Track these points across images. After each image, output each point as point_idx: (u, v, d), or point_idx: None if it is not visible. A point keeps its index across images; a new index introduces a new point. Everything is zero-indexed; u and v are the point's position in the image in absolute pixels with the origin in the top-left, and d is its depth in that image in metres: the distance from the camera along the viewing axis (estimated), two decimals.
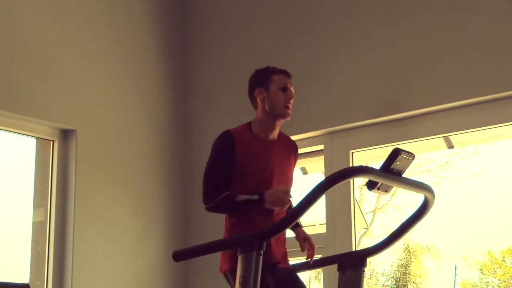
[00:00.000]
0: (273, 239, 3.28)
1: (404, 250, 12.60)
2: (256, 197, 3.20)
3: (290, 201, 3.25)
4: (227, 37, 5.17)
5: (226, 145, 3.31)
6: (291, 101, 3.37)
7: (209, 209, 3.29)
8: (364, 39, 4.56)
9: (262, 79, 3.40)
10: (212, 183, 3.28)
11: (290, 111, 3.37)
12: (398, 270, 12.67)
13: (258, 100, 3.39)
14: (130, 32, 5.01)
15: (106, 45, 4.85)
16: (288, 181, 3.41)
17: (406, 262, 12.64)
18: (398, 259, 12.64)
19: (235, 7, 5.19)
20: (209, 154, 3.36)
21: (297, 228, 3.41)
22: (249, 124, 3.41)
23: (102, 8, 4.87)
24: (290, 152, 3.46)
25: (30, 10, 4.46)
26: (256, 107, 3.42)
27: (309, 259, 3.37)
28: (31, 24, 4.44)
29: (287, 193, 3.20)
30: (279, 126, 3.40)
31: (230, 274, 3.23)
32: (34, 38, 4.44)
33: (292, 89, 3.40)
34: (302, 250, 3.39)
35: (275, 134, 3.41)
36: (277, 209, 3.25)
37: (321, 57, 4.69)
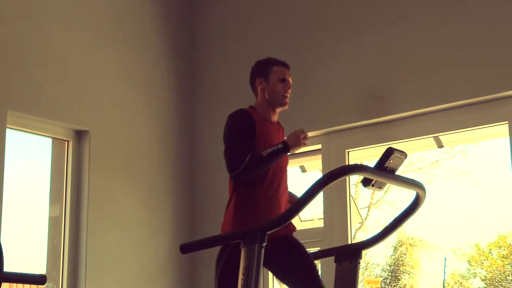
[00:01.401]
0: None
1: (398, 243, 12.60)
2: (280, 145, 3.26)
3: (307, 138, 3.33)
4: (231, 43, 5.17)
5: (247, 118, 3.34)
6: (289, 91, 3.45)
7: (238, 174, 3.26)
8: (359, 46, 4.56)
9: (262, 70, 3.47)
10: (237, 151, 3.27)
11: (287, 100, 3.44)
12: (392, 262, 12.67)
13: (259, 89, 3.45)
14: (139, 41, 5.02)
15: (117, 53, 4.85)
16: (287, 161, 3.45)
17: (399, 254, 12.64)
18: (392, 251, 12.64)
19: (237, 16, 5.19)
20: (226, 131, 3.37)
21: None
22: (252, 107, 3.46)
23: (114, 20, 4.87)
24: (282, 134, 3.53)
25: (49, 20, 4.46)
26: (256, 95, 3.48)
27: None
28: (49, 34, 4.45)
29: (303, 132, 3.30)
30: (278, 113, 3.47)
31: (218, 262, 3.26)
32: (51, 47, 4.45)
33: (290, 80, 3.47)
34: None
35: (275, 118, 3.48)
36: (299, 149, 3.33)
37: (319, 63, 4.69)
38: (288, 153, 3.31)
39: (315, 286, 3.27)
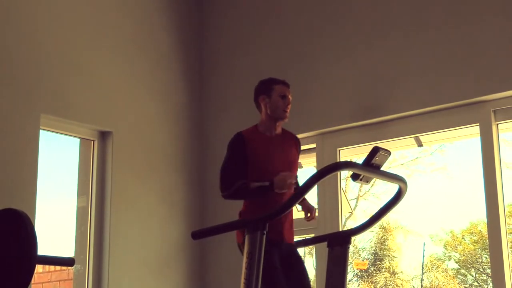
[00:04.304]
0: (286, 223, 3.29)
1: (382, 230, 12.58)
2: (266, 183, 3.21)
3: (294, 184, 3.24)
4: (238, 49, 5.14)
5: (238, 144, 3.34)
6: (289, 106, 3.44)
7: (225, 196, 3.29)
8: (349, 56, 4.55)
9: (265, 88, 3.45)
10: (227, 175, 3.29)
11: (287, 114, 3.43)
12: (376, 246, 12.64)
13: (262, 105, 3.44)
14: (155, 51, 5.00)
15: (136, 61, 4.84)
16: (293, 169, 3.43)
17: (383, 239, 12.62)
18: (376, 236, 12.61)
19: (246, 22, 5.14)
20: (225, 155, 3.38)
21: (303, 201, 3.41)
22: (256, 125, 3.45)
23: (133, 32, 4.86)
24: (292, 145, 3.50)
25: (77, 34, 4.45)
26: (260, 111, 3.47)
27: (308, 219, 3.39)
28: (77, 46, 4.44)
29: (291, 178, 3.20)
30: (280, 125, 3.46)
31: (242, 247, 3.24)
32: (79, 57, 4.43)
33: (289, 96, 3.44)
34: (306, 217, 3.39)
35: (277, 132, 3.45)
36: (284, 191, 3.22)
37: (315, 72, 4.68)
38: (273, 191, 3.20)
39: None
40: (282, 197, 3.26)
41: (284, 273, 3.24)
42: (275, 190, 3.18)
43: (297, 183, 3.46)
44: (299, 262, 3.35)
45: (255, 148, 3.32)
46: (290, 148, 3.47)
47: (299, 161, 5.05)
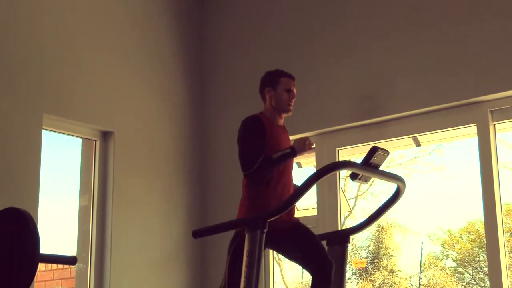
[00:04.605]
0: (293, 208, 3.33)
1: (381, 229, 12.57)
2: (288, 150, 3.25)
3: (312, 144, 3.32)
4: (238, 49, 5.14)
5: (259, 125, 3.33)
6: (293, 100, 3.46)
7: (252, 173, 3.25)
8: (348, 57, 4.55)
9: (271, 80, 3.46)
10: (251, 152, 3.26)
11: (291, 108, 3.45)
12: (374, 245, 12.64)
13: (267, 96, 3.44)
14: (156, 50, 5.00)
15: (138, 63, 4.84)
16: (292, 161, 3.45)
17: (382, 238, 12.61)
18: (375, 235, 12.60)
19: (246, 22, 5.15)
20: (240, 135, 3.35)
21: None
22: (262, 112, 3.45)
23: (135, 35, 4.86)
24: (286, 135, 3.54)
25: (80, 36, 4.45)
26: (265, 102, 3.48)
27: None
28: (79, 48, 4.44)
29: (308, 139, 3.28)
30: (283, 118, 3.49)
31: (238, 237, 3.24)
32: (81, 58, 4.44)
33: (294, 90, 3.45)
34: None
35: (281, 122, 3.48)
36: (306, 154, 3.32)
37: (314, 72, 4.68)
38: (295, 157, 3.28)
39: (323, 261, 3.21)
40: (282, 198, 3.27)
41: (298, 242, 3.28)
42: (297, 154, 3.25)
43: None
44: (307, 229, 3.36)
45: (271, 132, 3.34)
46: (289, 141, 3.52)
47: (299, 160, 5.07)
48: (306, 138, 3.28)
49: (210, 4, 5.36)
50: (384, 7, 4.45)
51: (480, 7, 4.04)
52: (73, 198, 4.54)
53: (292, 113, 3.47)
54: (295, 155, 3.26)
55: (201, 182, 5.09)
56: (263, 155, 3.24)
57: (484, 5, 4.02)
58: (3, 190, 3.84)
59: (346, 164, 3.17)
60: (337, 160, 4.54)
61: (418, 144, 4.61)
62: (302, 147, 3.26)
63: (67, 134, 4.43)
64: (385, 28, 4.41)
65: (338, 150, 4.61)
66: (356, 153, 4.73)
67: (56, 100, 4.24)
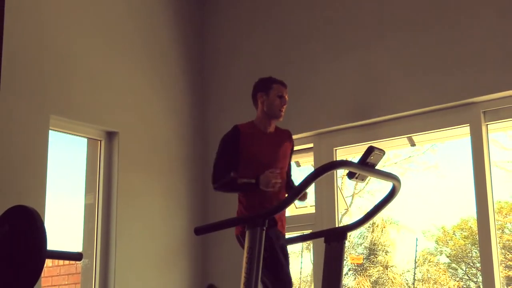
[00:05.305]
0: (283, 216, 3.32)
1: (377, 226, 12.57)
2: (253, 180, 3.22)
3: (279, 183, 3.23)
4: (238, 49, 5.14)
5: (232, 137, 3.35)
6: (285, 106, 3.44)
7: (215, 188, 3.32)
8: (345, 58, 4.55)
9: (264, 86, 3.45)
10: (218, 168, 3.30)
11: (282, 113, 3.43)
12: (371, 242, 12.63)
13: (259, 102, 3.44)
14: (159, 52, 5.01)
15: (141, 66, 4.84)
16: (284, 164, 3.42)
17: (378, 235, 12.61)
18: (372, 233, 12.60)
19: (246, 21, 5.14)
20: (217, 150, 3.38)
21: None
22: (253, 121, 3.47)
23: (138, 37, 4.86)
24: (285, 141, 3.50)
25: (84, 38, 4.46)
26: (257, 107, 3.47)
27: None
28: (85, 50, 4.44)
29: (276, 177, 3.20)
30: (274, 123, 3.46)
31: (241, 237, 3.24)
32: (87, 61, 4.44)
33: (286, 97, 3.44)
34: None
35: (271, 129, 3.44)
36: (270, 190, 3.23)
37: (312, 74, 4.68)
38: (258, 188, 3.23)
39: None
40: (275, 197, 3.28)
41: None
42: (260, 187, 3.21)
43: (290, 181, 3.46)
44: (287, 253, 3.40)
45: (248, 141, 3.32)
46: (283, 144, 3.47)
47: (298, 160, 5.07)
48: (274, 176, 3.20)
49: (210, 4, 5.36)
50: (380, 10, 4.45)
51: (473, 9, 4.04)
52: (79, 196, 4.55)
53: (285, 120, 3.46)
54: (257, 187, 3.23)
55: (203, 180, 5.09)
56: (230, 174, 3.23)
57: (477, 7, 4.02)
58: (11, 189, 3.85)
59: (343, 164, 3.17)
60: (334, 159, 4.55)
61: (413, 144, 4.62)
62: (266, 183, 3.21)
63: (73, 134, 4.44)
64: (381, 30, 4.41)
65: (336, 149, 4.61)
66: (353, 153, 4.74)
67: (62, 101, 4.25)
